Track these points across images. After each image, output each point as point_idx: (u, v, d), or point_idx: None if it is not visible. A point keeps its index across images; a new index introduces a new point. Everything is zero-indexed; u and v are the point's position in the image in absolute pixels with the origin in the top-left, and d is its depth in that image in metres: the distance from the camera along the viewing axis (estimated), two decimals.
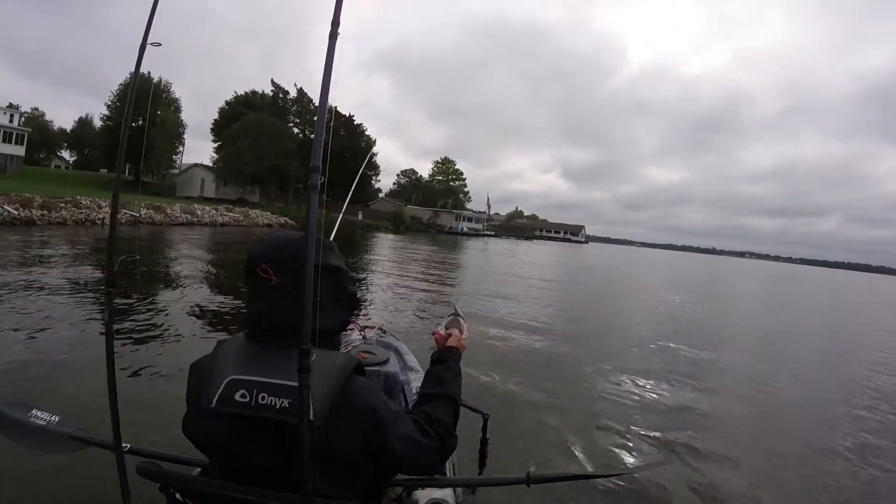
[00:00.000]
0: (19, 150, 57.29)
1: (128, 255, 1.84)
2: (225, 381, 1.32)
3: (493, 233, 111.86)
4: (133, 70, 1.75)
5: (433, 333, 2.06)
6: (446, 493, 2.12)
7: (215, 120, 70.74)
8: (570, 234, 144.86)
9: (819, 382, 8.90)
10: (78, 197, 31.17)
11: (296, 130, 71.14)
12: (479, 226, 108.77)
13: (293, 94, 73.06)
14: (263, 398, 1.29)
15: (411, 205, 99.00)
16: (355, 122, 74.74)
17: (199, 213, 41.10)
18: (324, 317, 1.36)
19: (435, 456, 1.50)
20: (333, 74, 1.23)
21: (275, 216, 51.76)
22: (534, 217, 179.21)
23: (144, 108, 64.65)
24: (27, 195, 27.30)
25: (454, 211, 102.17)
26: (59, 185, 40.73)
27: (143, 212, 34.03)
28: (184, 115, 69.19)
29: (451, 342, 1.92)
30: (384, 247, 36.78)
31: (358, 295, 1.69)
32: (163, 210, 36.61)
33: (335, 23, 1.24)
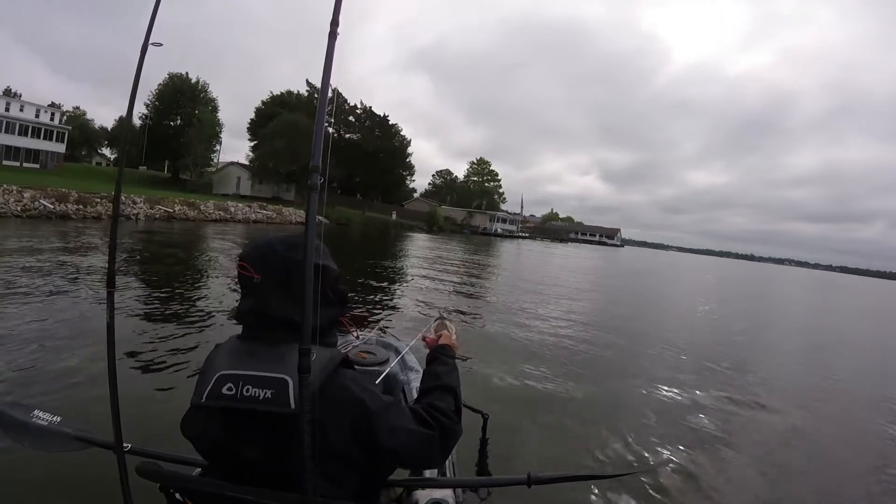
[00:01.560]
0: (60, 148, 59.76)
1: (128, 255, 1.75)
2: (215, 377, 1.35)
3: (527, 234, 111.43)
4: (136, 69, 1.78)
5: (423, 338, 2.15)
6: (446, 494, 2.09)
7: (252, 119, 71.76)
8: (605, 237, 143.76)
9: (862, 400, 8.12)
10: (113, 193, 31.51)
11: (331, 130, 71.23)
12: (514, 227, 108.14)
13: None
14: (248, 390, 1.31)
15: (446, 205, 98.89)
16: (390, 123, 74.89)
17: (232, 210, 41.43)
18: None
19: (434, 445, 1.47)
20: (334, 74, 1.26)
21: None
22: (569, 219, 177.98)
23: (182, 107, 66.70)
24: (63, 190, 27.71)
25: (488, 212, 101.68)
26: (98, 182, 41.45)
27: (177, 208, 34.53)
28: (222, 115, 70.27)
29: (442, 341, 1.95)
30: (416, 246, 36.69)
31: (347, 294, 1.70)
32: (197, 207, 36.93)
33: (334, 22, 1.25)
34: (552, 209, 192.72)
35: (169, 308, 8.64)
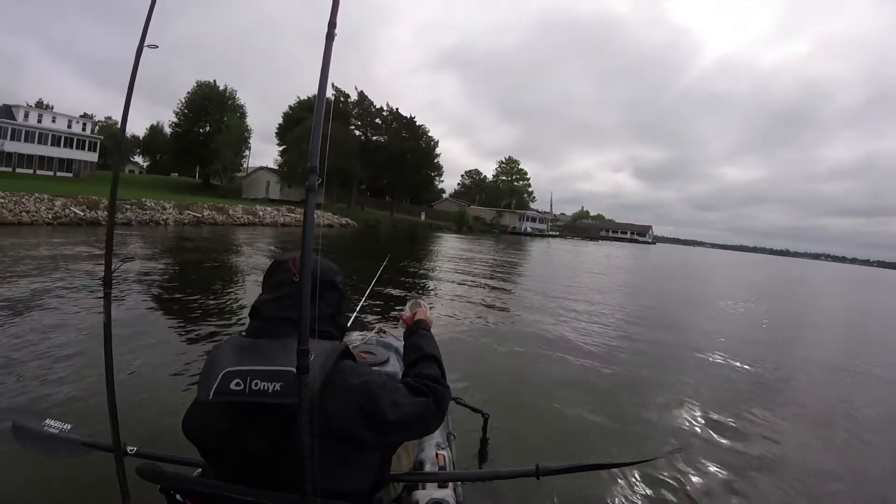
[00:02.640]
0: (93, 157, 61.30)
1: (125, 257, 1.69)
2: (221, 374, 1.36)
3: (557, 233, 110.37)
4: (131, 72, 1.83)
5: (400, 317, 2.24)
6: (446, 494, 2.10)
7: (279, 124, 72.21)
8: (636, 234, 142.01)
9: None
10: (143, 199, 31.95)
11: (357, 133, 71.72)
12: (544, 226, 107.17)
13: (354, 97, 73.77)
14: (256, 384, 1.34)
15: (475, 205, 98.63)
16: (417, 124, 74.71)
17: (260, 213, 41.59)
18: (322, 324, 1.55)
19: (431, 411, 1.55)
20: (331, 75, 1.27)
21: (336, 217, 52.14)
22: (600, 217, 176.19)
23: (211, 114, 67.62)
24: (94, 197, 28.02)
25: (518, 211, 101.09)
26: (130, 189, 42.26)
27: (205, 213, 34.81)
28: (252, 120, 71.11)
29: (418, 317, 2.06)
30: (445, 246, 36.47)
31: (346, 326, 1.82)
32: (225, 211, 37.13)
33: (332, 24, 1.27)
34: (582, 207, 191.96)
35: (181, 309, 8.59)
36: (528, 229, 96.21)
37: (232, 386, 1.34)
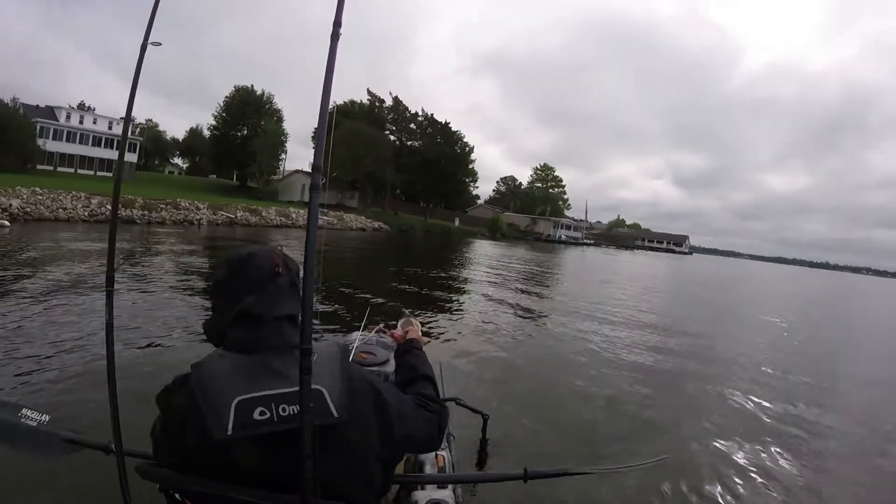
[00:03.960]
0: (133, 158, 63.08)
1: (127, 256, 1.68)
2: (234, 404, 1.23)
3: (591, 241, 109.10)
4: (135, 69, 1.81)
5: (391, 335, 2.34)
6: (446, 494, 2.13)
7: (315, 129, 72.76)
8: (673, 244, 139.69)
9: None
10: (178, 199, 32.35)
11: (392, 138, 72.12)
12: (579, 234, 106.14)
13: (389, 102, 74.31)
14: (284, 409, 1.25)
15: (509, 212, 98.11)
16: (452, 129, 74.78)
17: (293, 216, 41.83)
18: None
19: (436, 427, 1.55)
20: (336, 74, 1.26)
21: (369, 221, 52.33)
22: (636, 226, 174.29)
23: (248, 118, 68.64)
24: (129, 197, 28.45)
25: (552, 218, 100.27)
26: (168, 189, 43.07)
27: (238, 214, 35.14)
28: (290, 124, 72.07)
29: (409, 336, 2.07)
30: (478, 253, 36.30)
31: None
32: (258, 213, 37.46)
33: (337, 23, 1.26)
34: (618, 215, 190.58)
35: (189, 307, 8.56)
36: (563, 237, 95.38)
37: (256, 416, 1.23)
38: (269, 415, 1.23)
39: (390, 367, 2.85)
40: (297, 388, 1.22)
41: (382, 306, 9.27)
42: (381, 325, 3.72)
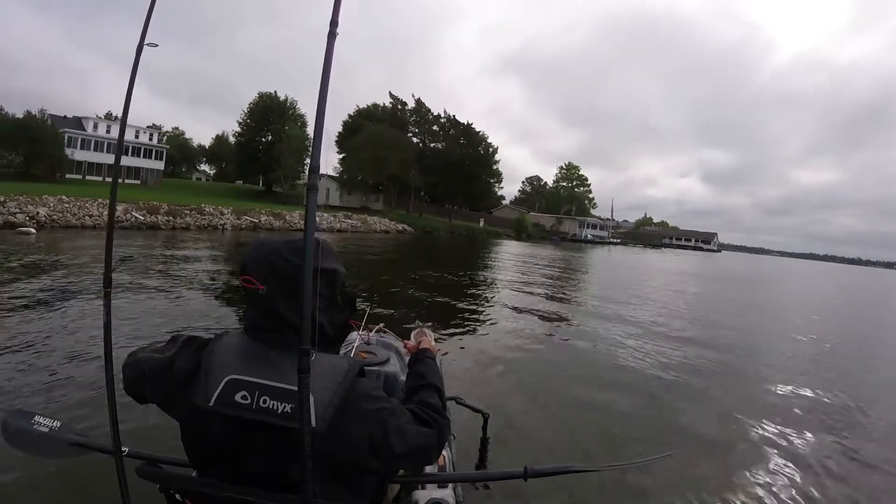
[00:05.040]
0: (159, 165, 64.80)
1: (125, 256, 1.73)
2: (225, 380, 1.30)
3: (618, 241, 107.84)
4: (131, 70, 1.75)
5: (405, 345, 2.30)
6: (446, 494, 2.13)
7: (339, 132, 73.36)
8: (700, 242, 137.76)
9: None
10: (202, 205, 32.63)
11: (415, 140, 72.25)
12: (605, 233, 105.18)
13: (411, 104, 74.40)
14: (265, 401, 1.27)
15: (535, 212, 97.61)
16: (475, 130, 74.54)
17: (316, 220, 41.69)
18: (321, 319, 1.42)
19: (434, 440, 1.48)
20: (333, 74, 1.25)
21: (393, 223, 52.38)
22: (663, 224, 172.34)
23: (272, 124, 69.39)
24: (154, 203, 28.79)
25: (578, 218, 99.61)
26: (194, 195, 43.54)
27: (262, 218, 35.38)
28: (311, 130, 72.48)
29: (423, 346, 2.00)
30: (500, 253, 36.11)
31: (356, 297, 1.65)
32: (282, 217, 37.54)
33: (333, 23, 1.25)
34: (645, 213, 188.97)
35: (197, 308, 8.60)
36: (589, 236, 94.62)
37: (237, 398, 1.27)
38: (249, 401, 1.26)
39: (390, 367, 2.89)
40: (284, 386, 1.26)
41: (392, 316, 9.12)
42: (382, 325, 3.69)
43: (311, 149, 1.22)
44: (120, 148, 1.84)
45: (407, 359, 3.52)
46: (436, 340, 2.30)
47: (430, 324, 8.54)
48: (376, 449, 1.34)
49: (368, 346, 3.20)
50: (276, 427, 1.26)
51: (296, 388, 1.18)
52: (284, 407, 1.25)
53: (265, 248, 1.46)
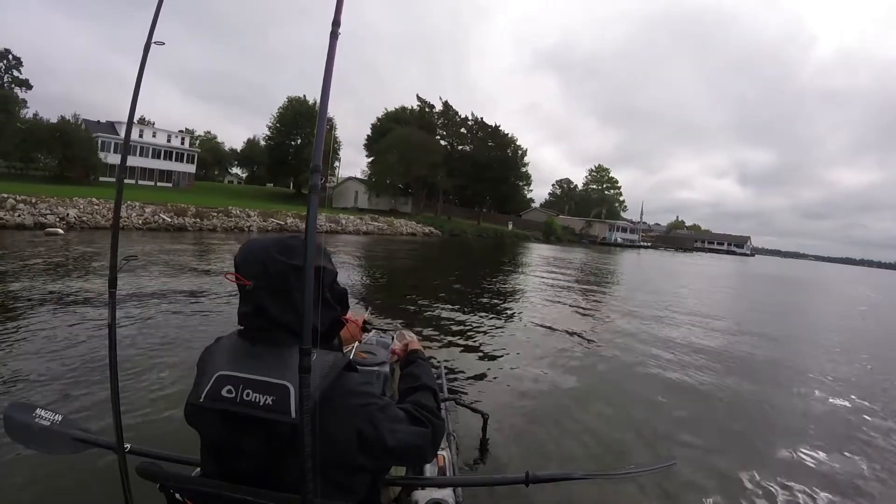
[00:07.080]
0: (191, 168, 66.39)
1: (129, 256, 2.04)
2: (214, 376, 1.33)
3: (648, 244, 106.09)
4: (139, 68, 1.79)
5: (391, 351, 2.32)
6: (446, 494, 2.17)
7: (368, 135, 73.72)
8: (733, 245, 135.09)
9: None
10: (229, 207, 33.00)
11: (443, 143, 72.18)
12: (635, 237, 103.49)
13: (438, 107, 74.42)
14: (248, 395, 1.29)
15: (564, 215, 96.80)
16: (503, 132, 74.21)
17: (343, 222, 42.04)
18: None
19: (428, 441, 1.51)
20: (335, 74, 1.25)
21: (419, 226, 52.36)
22: (696, 227, 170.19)
23: (301, 127, 70.06)
24: (182, 205, 29.16)
25: (608, 221, 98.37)
26: (224, 198, 44.06)
27: (288, 221, 35.65)
28: (347, 132, 73.17)
29: (411, 347, 2.05)
30: (527, 255, 35.90)
31: (346, 293, 1.66)
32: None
33: (336, 23, 1.26)
34: (677, 217, 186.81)
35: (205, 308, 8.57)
36: (618, 240, 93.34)
37: (223, 392, 1.30)
38: (233, 394, 1.28)
39: (389, 367, 2.92)
40: (265, 379, 1.28)
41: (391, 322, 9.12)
42: (369, 309, 3.66)
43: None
44: (126, 148, 1.91)
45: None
46: (435, 341, 2.28)
47: (403, 321, 8.54)
48: (366, 444, 1.34)
49: (368, 345, 3.23)
50: (262, 421, 1.26)
51: (277, 381, 1.26)
52: (266, 399, 1.26)
53: (256, 245, 1.48)
